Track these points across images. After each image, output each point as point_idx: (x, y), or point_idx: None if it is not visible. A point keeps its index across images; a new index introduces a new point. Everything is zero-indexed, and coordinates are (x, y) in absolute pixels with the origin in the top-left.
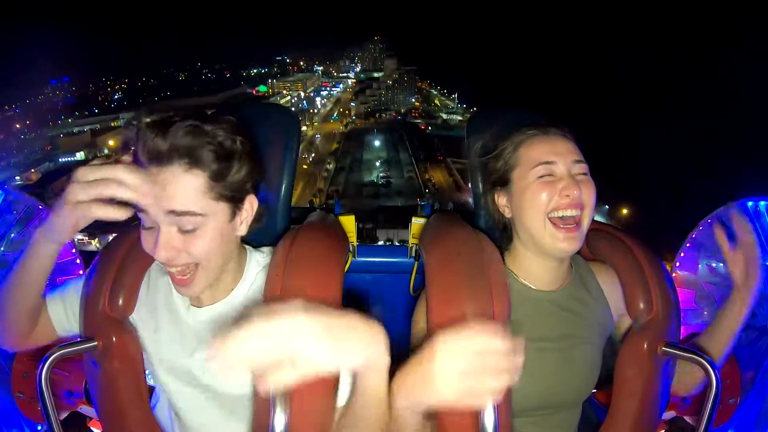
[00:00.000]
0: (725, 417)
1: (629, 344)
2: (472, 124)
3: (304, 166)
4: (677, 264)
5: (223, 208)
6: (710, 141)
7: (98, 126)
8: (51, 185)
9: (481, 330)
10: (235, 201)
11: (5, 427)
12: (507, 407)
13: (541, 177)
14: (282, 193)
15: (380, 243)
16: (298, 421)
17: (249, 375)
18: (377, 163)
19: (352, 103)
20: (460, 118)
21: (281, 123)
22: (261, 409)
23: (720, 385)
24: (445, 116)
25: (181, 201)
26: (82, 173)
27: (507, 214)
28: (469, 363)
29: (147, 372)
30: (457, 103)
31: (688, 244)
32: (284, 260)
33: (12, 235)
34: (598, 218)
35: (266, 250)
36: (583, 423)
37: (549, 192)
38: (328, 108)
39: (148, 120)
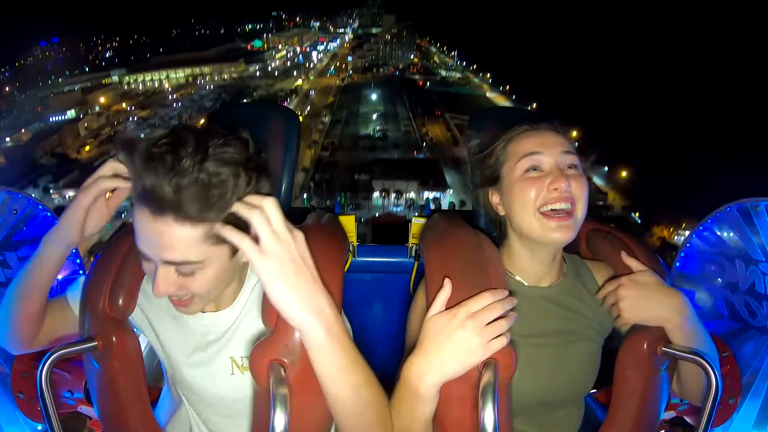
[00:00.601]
0: (725, 417)
1: (629, 344)
2: (471, 123)
3: (300, 119)
4: (677, 264)
5: (223, 251)
6: None
7: (89, 84)
8: (40, 144)
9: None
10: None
11: (5, 427)
12: (507, 408)
13: (527, 171)
14: (282, 193)
15: (375, 195)
16: (298, 421)
17: (247, 377)
18: (374, 116)
19: (349, 58)
20: (459, 75)
21: (281, 123)
22: (261, 409)
23: (720, 385)
24: (444, 73)
25: (178, 252)
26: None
27: (500, 212)
28: (462, 325)
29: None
30: (457, 61)
31: (688, 244)
32: None
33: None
34: (597, 180)
35: None
36: (583, 423)
37: (537, 188)
38: (324, 63)
39: (143, 153)
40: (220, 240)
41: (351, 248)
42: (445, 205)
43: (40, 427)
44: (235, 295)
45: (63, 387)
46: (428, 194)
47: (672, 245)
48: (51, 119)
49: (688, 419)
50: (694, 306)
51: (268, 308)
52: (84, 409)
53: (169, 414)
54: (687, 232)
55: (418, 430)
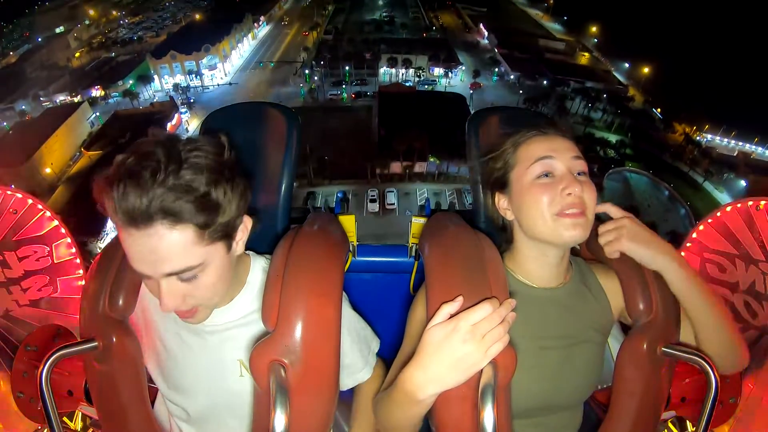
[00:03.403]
0: (725, 417)
1: (629, 344)
2: (471, 122)
3: (302, 6)
4: None
5: (218, 248)
6: None
7: (77, 1)
8: (29, 60)
9: (465, 309)
10: (229, 235)
11: (5, 427)
12: (506, 408)
13: (539, 177)
14: (282, 193)
15: (382, 70)
16: (298, 421)
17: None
18: (380, 2)
19: None
20: None
21: (281, 123)
22: (261, 409)
23: (720, 384)
24: None
25: (176, 261)
26: None
27: (508, 216)
28: (463, 338)
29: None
30: None
31: (688, 244)
32: (284, 260)
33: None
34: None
35: (269, 257)
36: (583, 422)
37: (549, 194)
38: None
39: (117, 172)
40: (214, 237)
41: (351, 248)
42: (456, 81)
43: (39, 427)
44: (233, 293)
45: (63, 387)
46: (438, 69)
47: (695, 141)
48: (39, 39)
49: (688, 419)
50: None
51: (267, 308)
52: (84, 409)
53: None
54: (709, 135)
55: (409, 426)
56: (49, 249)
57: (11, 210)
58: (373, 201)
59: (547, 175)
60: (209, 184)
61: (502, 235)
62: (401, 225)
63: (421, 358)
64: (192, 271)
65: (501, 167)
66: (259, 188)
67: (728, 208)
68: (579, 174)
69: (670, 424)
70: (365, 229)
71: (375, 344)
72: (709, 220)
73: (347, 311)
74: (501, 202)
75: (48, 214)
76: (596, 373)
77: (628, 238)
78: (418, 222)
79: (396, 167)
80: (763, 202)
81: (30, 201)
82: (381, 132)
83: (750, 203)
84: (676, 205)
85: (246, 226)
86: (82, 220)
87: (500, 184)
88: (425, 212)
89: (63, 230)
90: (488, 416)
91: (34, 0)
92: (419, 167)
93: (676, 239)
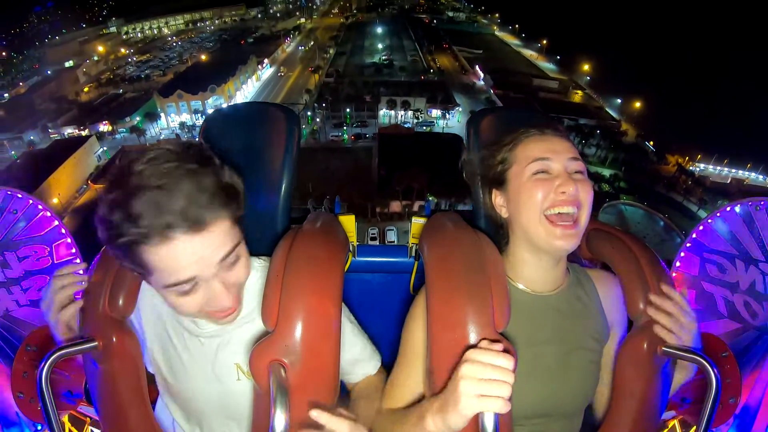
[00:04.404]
0: (725, 417)
1: (629, 344)
2: (471, 122)
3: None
4: (677, 264)
5: (240, 230)
6: None
7: (86, 37)
8: (38, 92)
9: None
10: (241, 219)
11: (5, 427)
12: (508, 416)
13: (536, 174)
14: (282, 193)
15: (381, 112)
16: (299, 421)
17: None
18: (380, 46)
19: None
20: (466, 15)
21: (281, 123)
22: (261, 410)
23: (720, 385)
24: (451, 14)
25: (227, 243)
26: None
27: (504, 214)
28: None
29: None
30: (464, 2)
31: (688, 244)
32: (284, 260)
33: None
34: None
35: (265, 258)
36: (582, 422)
37: (544, 189)
38: (327, 4)
39: (152, 193)
40: (236, 216)
41: (351, 248)
42: (453, 122)
43: (40, 427)
44: None
45: (63, 387)
46: (436, 111)
47: (688, 171)
48: (48, 72)
49: (688, 419)
50: (694, 306)
51: (268, 308)
52: (84, 409)
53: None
54: (702, 165)
55: None
56: (49, 249)
57: (11, 210)
58: (373, 239)
59: (543, 173)
60: (223, 170)
61: (499, 235)
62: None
63: (446, 405)
64: (235, 251)
65: (499, 164)
66: (259, 188)
67: (728, 208)
68: (576, 173)
69: (669, 425)
70: None
71: (377, 356)
72: (709, 220)
73: (347, 324)
74: (497, 199)
75: (48, 214)
76: (593, 380)
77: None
78: (418, 222)
79: (395, 206)
80: (762, 202)
81: (30, 201)
82: (381, 172)
83: (750, 203)
84: (671, 234)
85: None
86: (89, 251)
87: (497, 181)
88: (425, 212)
89: (63, 230)
90: (489, 416)
91: (45, 33)
92: (418, 206)
93: (672, 267)
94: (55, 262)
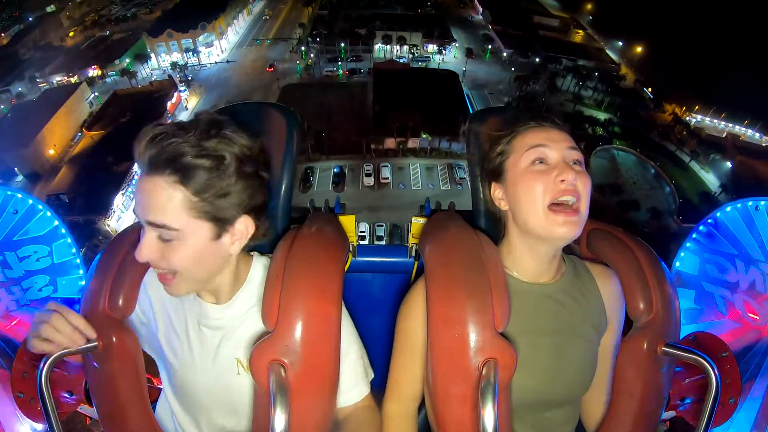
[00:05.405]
0: (725, 417)
1: (629, 344)
2: (471, 122)
3: None
4: (677, 264)
5: (204, 227)
6: None
7: None
8: (21, 41)
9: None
10: (221, 222)
11: (5, 427)
12: (507, 407)
13: (533, 164)
14: (282, 193)
15: (377, 46)
16: (298, 421)
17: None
18: None
19: None
20: None
21: (281, 123)
22: (261, 409)
23: (720, 385)
24: None
25: (158, 213)
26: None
27: (503, 206)
28: None
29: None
30: None
31: (688, 244)
32: (284, 260)
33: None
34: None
35: (270, 256)
36: (582, 422)
37: (543, 181)
38: None
39: (155, 132)
40: (201, 212)
41: (351, 248)
42: (450, 58)
43: (40, 427)
44: (233, 291)
45: (63, 387)
46: (432, 46)
47: (684, 122)
48: (30, 19)
49: (688, 419)
50: (694, 306)
51: (267, 308)
52: (84, 409)
53: (171, 412)
54: (699, 116)
55: None
56: (49, 249)
57: (11, 210)
58: (368, 175)
59: (541, 162)
60: (220, 160)
61: (498, 228)
62: (395, 198)
63: None
64: (169, 232)
65: (497, 156)
66: None
67: (728, 209)
68: (574, 163)
69: (670, 425)
70: (362, 202)
71: (370, 371)
72: (709, 220)
73: (347, 331)
74: (496, 192)
75: (48, 214)
76: (590, 370)
77: None
78: (418, 222)
79: (390, 143)
80: (762, 202)
81: (30, 201)
82: (376, 108)
83: (750, 203)
84: (661, 183)
85: (247, 227)
86: (89, 198)
87: (496, 173)
88: (425, 212)
89: (63, 230)
90: (489, 415)
91: None
92: (412, 143)
93: (656, 215)
94: (55, 262)
